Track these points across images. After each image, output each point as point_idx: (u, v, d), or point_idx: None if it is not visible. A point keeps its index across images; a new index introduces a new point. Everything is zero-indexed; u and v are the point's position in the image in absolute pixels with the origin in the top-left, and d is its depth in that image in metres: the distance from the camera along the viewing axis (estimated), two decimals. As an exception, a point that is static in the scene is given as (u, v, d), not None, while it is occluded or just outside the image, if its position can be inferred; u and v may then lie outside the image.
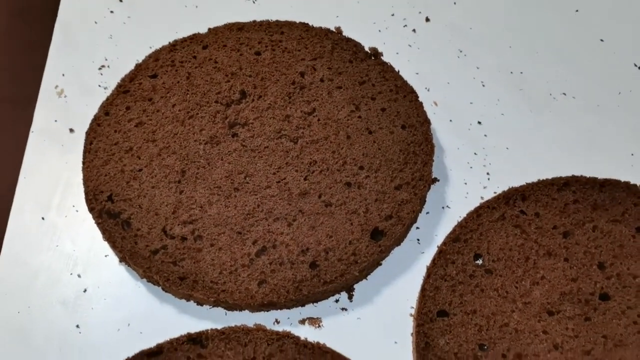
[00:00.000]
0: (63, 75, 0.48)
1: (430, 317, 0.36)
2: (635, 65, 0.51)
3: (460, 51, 0.52)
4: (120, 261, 0.40)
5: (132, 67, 0.47)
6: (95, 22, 0.52)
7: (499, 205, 0.41)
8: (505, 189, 0.42)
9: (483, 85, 0.50)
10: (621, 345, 0.35)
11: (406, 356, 0.36)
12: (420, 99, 0.46)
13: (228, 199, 0.40)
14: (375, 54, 0.48)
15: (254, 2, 0.54)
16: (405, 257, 0.40)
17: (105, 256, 0.40)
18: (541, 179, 0.42)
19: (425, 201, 0.43)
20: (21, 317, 0.37)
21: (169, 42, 0.48)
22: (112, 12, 0.53)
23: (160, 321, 0.37)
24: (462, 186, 0.44)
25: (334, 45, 0.48)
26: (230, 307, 0.38)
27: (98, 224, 0.39)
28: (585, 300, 0.37)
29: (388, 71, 0.47)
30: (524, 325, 0.36)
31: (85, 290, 0.38)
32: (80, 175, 0.42)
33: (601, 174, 0.42)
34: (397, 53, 0.51)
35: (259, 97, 0.45)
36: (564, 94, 0.49)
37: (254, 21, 0.49)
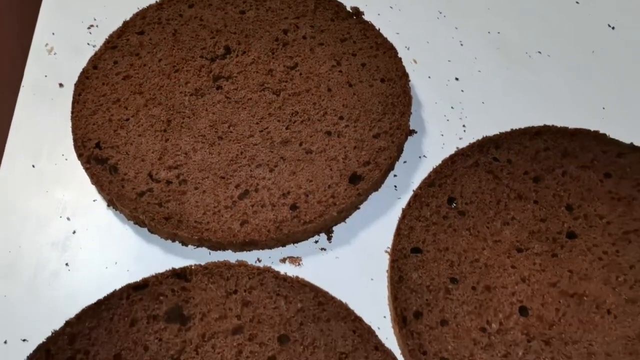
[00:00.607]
0: (53, 34, 0.50)
1: (405, 253, 0.38)
2: (609, 26, 0.53)
3: (440, 12, 0.53)
4: (108, 205, 0.41)
5: (118, 26, 0.49)
6: (84, -16, 0.53)
7: (473, 152, 0.43)
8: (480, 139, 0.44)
9: (461, 45, 0.51)
10: (585, 279, 0.37)
11: (381, 290, 0.38)
12: (399, 56, 0.47)
13: (212, 146, 0.42)
14: (357, 13, 0.50)
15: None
16: (383, 202, 0.42)
17: (94, 201, 0.41)
18: (514, 129, 0.44)
19: (402, 150, 0.44)
20: (12, 256, 0.39)
21: (156, 1, 0.49)
22: (100, -26, 0.54)
23: (147, 260, 0.39)
24: (439, 137, 0.46)
25: (316, 4, 0.49)
26: (213, 246, 0.39)
27: (86, 169, 0.41)
28: (552, 238, 0.39)
29: (369, 29, 0.49)
30: (493, 260, 0.38)
31: (74, 232, 0.40)
32: (65, 126, 0.44)
33: (572, 125, 0.44)
34: (379, 14, 0.53)
35: (243, 52, 0.47)
36: (539, 52, 0.51)
37: (239, -19, 0.51)
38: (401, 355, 0.36)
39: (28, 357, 0.33)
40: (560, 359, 0.34)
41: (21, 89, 0.46)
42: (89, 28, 0.51)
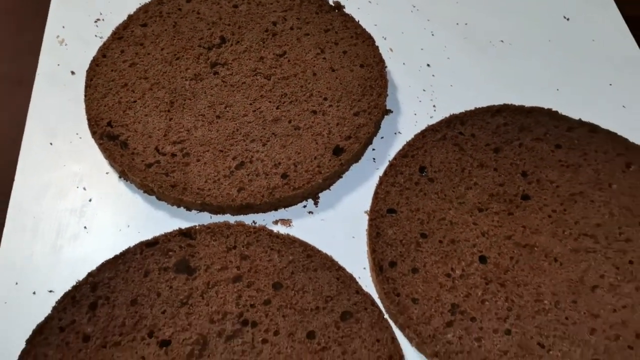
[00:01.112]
0: (63, 27, 0.55)
1: (381, 213, 0.44)
2: (564, 17, 0.59)
3: (414, 6, 0.59)
4: (120, 177, 0.46)
5: (122, 20, 0.54)
6: (90, -18, 0.58)
7: (441, 128, 0.49)
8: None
9: (432, 35, 0.57)
10: (536, 233, 0.43)
11: (361, 246, 0.44)
12: (377, 45, 0.53)
13: (211, 124, 0.47)
14: (338, 6, 0.55)
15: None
16: (362, 171, 0.48)
17: (106, 173, 0.47)
18: (477, 107, 0.50)
19: (379, 127, 0.50)
20: (36, 221, 0.44)
21: (158, -4, 0.55)
22: (104, -27, 0.59)
23: (156, 223, 0.44)
24: (412, 116, 0.51)
25: (302, -1, 0.55)
26: (214, 210, 0.45)
27: (100, 144, 0.46)
28: (509, 199, 0.45)
29: (349, 21, 0.54)
30: (458, 219, 0.44)
31: (90, 200, 0.45)
32: (82, 109, 0.49)
33: (529, 104, 0.50)
34: (359, 8, 0.58)
35: (237, 42, 0.52)
36: (502, 41, 0.57)
37: (232, -21, 0.56)
38: (378, 299, 0.41)
39: (57, 302, 0.38)
40: (514, 298, 0.40)
41: (36, 76, 0.51)
42: (95, 21, 0.56)
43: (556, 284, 0.41)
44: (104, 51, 0.51)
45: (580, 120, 0.49)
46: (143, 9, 0.54)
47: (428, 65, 0.55)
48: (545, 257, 0.42)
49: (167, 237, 0.42)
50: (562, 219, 0.44)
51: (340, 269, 0.41)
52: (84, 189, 0.46)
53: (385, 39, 0.56)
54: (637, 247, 0.43)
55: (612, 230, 0.44)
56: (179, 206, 0.45)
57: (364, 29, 0.54)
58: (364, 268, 0.43)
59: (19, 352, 0.37)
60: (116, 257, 0.41)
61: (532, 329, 0.39)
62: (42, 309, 0.39)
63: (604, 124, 0.49)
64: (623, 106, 0.53)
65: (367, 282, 0.42)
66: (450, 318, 0.39)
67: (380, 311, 0.39)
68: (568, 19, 0.59)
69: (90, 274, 0.40)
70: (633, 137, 0.48)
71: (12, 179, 0.46)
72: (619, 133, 0.49)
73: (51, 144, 0.48)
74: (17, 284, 0.41)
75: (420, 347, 0.39)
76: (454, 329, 0.39)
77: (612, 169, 0.47)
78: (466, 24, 0.58)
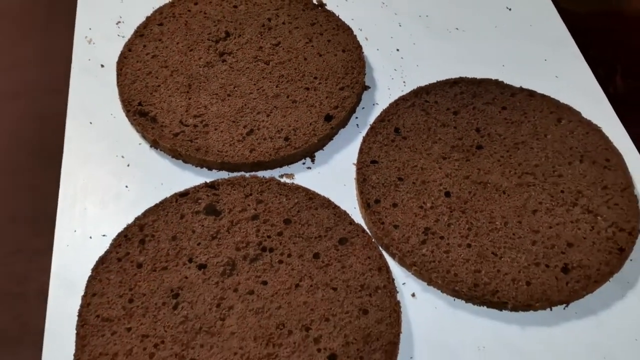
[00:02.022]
0: (90, 29, 0.65)
1: (366, 164, 0.55)
2: (507, 8, 0.71)
3: (383, 3, 0.71)
4: (151, 146, 0.56)
5: (140, 21, 0.64)
6: (109, -9, 0.68)
7: (411, 97, 0.60)
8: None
9: (400, 25, 0.69)
10: (488, 173, 0.55)
11: (351, 191, 0.54)
12: (355, 34, 0.64)
13: (223, 101, 0.58)
14: (321, 4, 0.66)
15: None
16: (349, 134, 0.59)
17: (139, 144, 0.56)
18: (439, 80, 0.61)
19: (361, 100, 0.61)
20: (84, 182, 0.53)
21: (169, 1, 0.65)
22: (120, -17, 0.69)
23: (184, 180, 0.54)
24: (387, 90, 0.63)
25: (290, -1, 0.66)
26: (231, 168, 0.55)
27: (133, 120, 0.56)
28: (466, 149, 0.56)
29: (331, 16, 0.66)
30: (427, 165, 0.55)
31: (128, 165, 0.55)
32: (113, 94, 0.59)
33: (480, 76, 0.62)
34: (337, 5, 0.70)
35: (239, 35, 0.63)
36: (457, 28, 0.69)
37: (231, -15, 0.67)
38: (367, 228, 0.52)
39: (113, 240, 0.48)
40: (472, 222, 0.51)
41: (72, 70, 0.61)
42: (117, 23, 0.66)
43: (505, 210, 0.52)
44: (129, 46, 0.61)
45: (521, 87, 0.61)
46: (158, 11, 0.64)
47: (397, 49, 0.66)
48: (496, 191, 0.53)
49: (196, 189, 0.52)
50: (508, 162, 0.55)
51: (336, 207, 0.52)
52: (122, 157, 0.55)
53: (361, 30, 0.67)
54: (567, 180, 0.54)
55: (547, 168, 0.55)
56: (202, 167, 0.55)
57: (344, 22, 0.65)
58: (355, 207, 0.54)
59: (84, 281, 0.47)
60: (156, 205, 0.51)
61: (488, 242, 0.50)
62: (98, 249, 0.48)
63: (540, 90, 0.61)
64: (556, 76, 0.65)
65: (357, 217, 0.53)
66: (424, 238, 0.50)
67: (369, 236, 0.50)
68: (510, 9, 0.71)
69: (137, 218, 0.50)
70: (562, 99, 0.61)
71: (62, 151, 0.55)
72: (552, 96, 0.61)
73: (91, 122, 0.57)
74: (75, 231, 0.51)
75: (401, 260, 0.50)
76: (427, 246, 0.50)
77: (546, 124, 0.59)
78: (427, 15, 0.70)
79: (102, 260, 0.47)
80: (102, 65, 0.62)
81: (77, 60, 0.62)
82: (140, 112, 0.56)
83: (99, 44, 0.64)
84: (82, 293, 0.46)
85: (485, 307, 0.49)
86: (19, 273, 1.21)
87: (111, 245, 0.48)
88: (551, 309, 0.49)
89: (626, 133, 0.61)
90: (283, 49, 0.62)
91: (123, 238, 0.49)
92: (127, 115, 0.57)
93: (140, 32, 0.62)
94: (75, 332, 0.44)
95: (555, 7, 0.73)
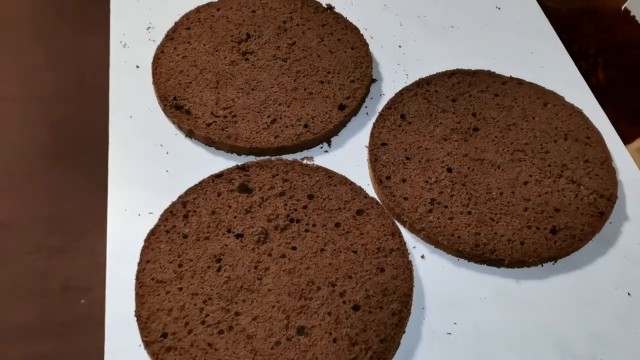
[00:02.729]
0: (124, 34, 0.72)
1: (377, 146, 0.62)
2: (497, 7, 0.79)
3: (385, 5, 0.78)
4: (186, 136, 0.63)
5: (168, 27, 0.71)
6: (138, 1, 0.76)
7: (413, 87, 0.67)
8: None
9: (401, 25, 0.76)
10: (485, 151, 0.62)
11: (364, 170, 0.62)
12: (361, 34, 0.72)
13: (248, 95, 0.65)
14: (330, 7, 0.74)
15: (243, -17, 0.79)
16: (360, 122, 0.66)
17: (175, 134, 0.64)
18: (438, 72, 0.69)
19: (369, 91, 0.69)
20: (130, 170, 0.60)
21: (195, 7, 0.73)
22: (147, -7, 0.77)
23: (218, 165, 0.61)
24: (391, 83, 0.70)
25: (302, 3, 0.74)
26: (258, 153, 0.62)
27: (170, 113, 0.63)
28: (464, 131, 0.64)
29: (339, 18, 0.73)
30: (430, 146, 0.62)
31: (167, 153, 0.62)
32: (149, 91, 0.66)
33: (474, 68, 0.70)
34: (344, 8, 0.77)
35: (259, 36, 0.70)
36: (452, 26, 0.77)
37: (248, -8, 0.75)
38: (380, 201, 0.59)
39: (160, 215, 0.55)
40: (472, 193, 0.59)
41: (110, 71, 0.68)
42: (147, 29, 0.73)
43: (500, 182, 0.60)
44: (162, 49, 0.68)
45: (510, 76, 0.69)
46: (185, 17, 0.72)
47: (399, 46, 0.74)
48: (491, 166, 0.61)
49: (229, 170, 0.59)
50: (501, 141, 0.63)
51: (352, 183, 0.59)
52: (161, 145, 0.63)
53: (366, 29, 0.75)
54: (553, 155, 0.62)
55: (536, 146, 0.63)
56: (232, 152, 0.62)
57: (351, 23, 0.73)
58: (368, 184, 0.61)
59: (137, 252, 0.54)
60: (196, 185, 0.58)
61: (485, 210, 0.58)
62: (147, 224, 0.56)
63: (528, 79, 0.69)
64: (541, 67, 0.73)
65: (371, 192, 0.60)
66: (430, 207, 0.58)
67: (383, 207, 0.58)
68: (499, 8, 0.79)
69: (180, 196, 0.57)
70: (547, 86, 0.68)
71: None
72: (538, 84, 0.69)
73: (131, 117, 0.65)
74: (125, 210, 0.58)
75: (411, 227, 0.57)
76: (433, 214, 0.57)
77: (534, 107, 0.66)
78: (425, 15, 0.77)
79: (152, 232, 0.55)
80: (138, 67, 0.69)
81: (114, 63, 0.69)
82: (175, 106, 0.63)
83: (133, 47, 0.71)
84: (136, 262, 0.53)
85: (485, 264, 0.56)
86: (40, 270, 1.28)
87: (159, 219, 0.55)
88: (542, 265, 0.56)
89: (604, 115, 0.68)
90: (298, 47, 0.69)
91: (169, 213, 0.56)
92: (163, 109, 0.64)
93: (170, 36, 0.70)
94: (134, 292, 0.51)
95: (540, 5, 0.81)
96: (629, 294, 0.55)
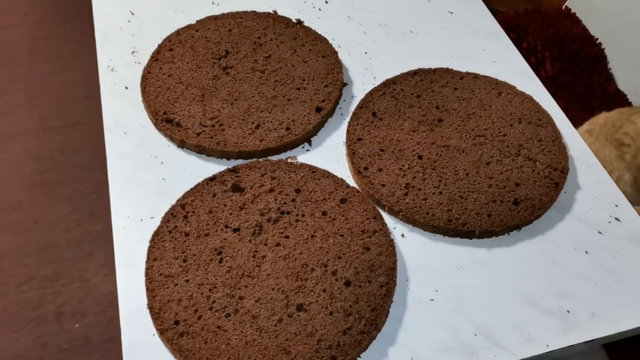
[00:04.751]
0: (110, 59, 0.77)
1: (353, 141, 0.68)
2: (449, 12, 0.87)
3: (349, 17, 0.86)
4: (178, 146, 0.69)
5: (151, 50, 0.77)
6: (121, 28, 0.81)
7: (382, 88, 0.74)
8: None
9: (365, 33, 0.84)
10: (450, 139, 0.69)
11: (344, 164, 0.68)
12: (330, 43, 0.79)
13: (232, 104, 0.71)
14: (300, 22, 0.81)
15: (213, 4, 0.85)
16: (336, 122, 0.73)
17: (168, 145, 0.69)
18: (402, 72, 0.76)
19: (342, 94, 0.75)
20: (128, 179, 0.65)
21: (175, 30, 0.79)
22: (129, 21, 0.82)
23: (210, 170, 0.66)
24: (361, 85, 0.77)
25: (274, 20, 0.81)
26: (247, 156, 0.67)
27: (162, 127, 0.68)
28: (430, 123, 0.71)
29: (309, 31, 0.80)
30: (401, 137, 0.69)
31: (162, 163, 0.67)
32: (139, 109, 0.71)
33: (434, 67, 0.77)
34: (312, 22, 0.84)
35: (237, 52, 0.77)
36: (411, 32, 0.84)
37: (223, 13, 0.81)
38: (360, 189, 0.65)
39: (162, 217, 0.60)
40: (441, 175, 0.65)
41: (101, 93, 0.73)
42: (132, 53, 0.79)
43: (465, 164, 0.67)
44: (148, 69, 0.74)
45: (467, 72, 0.77)
46: (167, 39, 0.77)
47: (365, 52, 0.81)
48: (456, 151, 0.68)
49: (221, 173, 0.65)
50: (464, 129, 0.70)
51: (334, 176, 0.65)
52: (156, 157, 0.68)
53: (334, 39, 0.82)
54: (510, 138, 0.69)
55: (494, 131, 0.70)
56: (222, 157, 0.68)
57: (320, 34, 0.80)
58: (348, 176, 0.67)
59: (143, 253, 0.58)
60: (192, 189, 0.63)
61: (455, 189, 0.64)
62: (149, 228, 0.61)
63: (482, 73, 0.77)
64: (494, 61, 0.81)
65: (351, 182, 0.66)
66: (405, 191, 0.64)
67: (363, 195, 0.64)
68: (452, 13, 0.87)
69: (178, 200, 0.62)
70: (500, 78, 0.76)
71: (99, 156, 0.67)
72: (492, 76, 0.76)
73: (125, 133, 0.70)
74: (128, 216, 0.62)
75: (390, 210, 0.63)
76: (408, 196, 0.64)
77: (490, 97, 0.74)
78: (386, 24, 0.85)
79: (156, 233, 0.60)
80: (127, 87, 0.74)
81: (104, 85, 0.74)
82: (166, 120, 0.69)
83: (120, 71, 0.76)
84: (143, 261, 0.58)
85: (458, 237, 0.63)
86: (34, 299, 1.31)
87: (161, 221, 0.60)
88: (509, 234, 0.63)
89: (552, 99, 0.76)
90: (274, 59, 0.76)
91: (170, 215, 0.61)
92: (155, 124, 0.69)
93: (155, 57, 0.75)
94: (145, 287, 0.56)
95: (489, 9, 0.90)
96: (586, 252, 0.62)
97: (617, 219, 0.65)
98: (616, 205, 0.66)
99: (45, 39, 1.52)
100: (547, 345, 0.55)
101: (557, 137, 0.70)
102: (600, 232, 0.64)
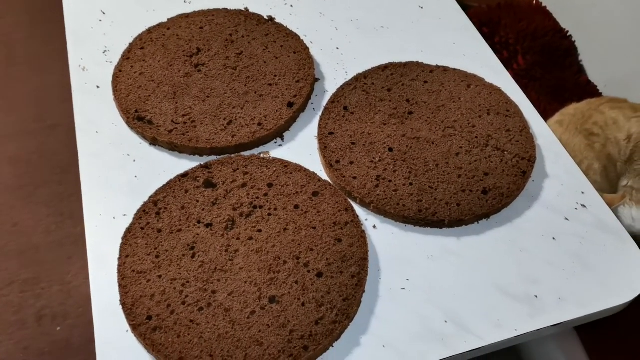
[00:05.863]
0: (82, 59, 0.77)
1: (325, 135, 0.69)
2: (420, 7, 0.89)
3: (321, 13, 0.87)
4: (151, 144, 0.69)
5: (122, 49, 0.77)
6: (92, 28, 0.81)
7: (353, 82, 0.75)
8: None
9: (336, 29, 0.85)
10: (420, 131, 0.70)
11: (316, 158, 0.69)
12: (302, 39, 0.80)
13: (204, 101, 0.71)
14: (271, 18, 0.82)
15: (185, 2, 0.85)
16: (308, 117, 0.73)
17: (140, 143, 0.69)
18: (373, 67, 0.77)
19: (313, 89, 0.76)
20: (101, 177, 0.65)
21: (146, 29, 0.79)
22: (100, 20, 0.82)
23: (182, 166, 0.67)
24: (333, 80, 0.78)
25: (246, 17, 0.81)
26: (218, 152, 0.68)
27: (133, 125, 0.68)
28: (401, 115, 0.72)
29: (281, 27, 0.81)
30: (372, 131, 0.70)
31: (134, 160, 0.67)
32: (111, 107, 0.71)
33: (404, 60, 0.78)
34: (284, 19, 0.85)
35: (209, 49, 0.77)
36: (382, 27, 0.85)
37: (195, 11, 0.81)
38: (332, 182, 0.66)
39: (135, 214, 0.60)
40: (412, 167, 0.66)
41: (73, 92, 0.73)
42: (103, 52, 0.78)
43: (435, 155, 0.68)
44: (119, 68, 0.74)
45: (437, 65, 0.78)
46: (138, 38, 0.78)
47: (337, 48, 0.82)
48: (426, 142, 0.69)
49: (194, 170, 0.65)
50: (433, 121, 0.71)
51: (306, 170, 0.66)
52: (128, 155, 0.68)
53: (306, 36, 0.83)
54: (479, 128, 0.71)
55: (463, 122, 0.71)
56: (194, 154, 0.68)
57: (291, 31, 0.80)
58: (320, 170, 0.68)
59: (115, 250, 0.59)
60: (164, 185, 0.63)
61: (425, 180, 0.65)
62: (122, 225, 0.61)
63: (452, 66, 0.78)
64: (463, 55, 0.82)
65: (324, 175, 0.67)
66: (376, 183, 0.65)
67: (335, 188, 0.65)
68: (422, 7, 0.89)
69: (151, 197, 0.62)
70: (469, 71, 0.77)
71: (77, 158, 0.67)
72: (461, 69, 0.78)
73: (97, 132, 0.70)
74: (100, 215, 0.63)
75: (361, 202, 0.64)
76: (379, 188, 0.65)
77: (459, 90, 0.75)
78: (357, 19, 0.86)
79: (129, 230, 0.60)
80: (98, 87, 0.74)
81: (75, 85, 0.74)
82: (138, 118, 0.69)
83: (91, 70, 0.76)
84: (115, 258, 0.58)
85: (428, 227, 0.64)
86: (15, 303, 1.30)
87: (134, 218, 0.61)
88: (478, 222, 0.64)
89: (520, 90, 0.78)
90: (246, 56, 0.76)
91: (142, 212, 0.61)
92: (126, 122, 0.69)
93: (126, 56, 0.75)
94: (117, 284, 0.56)
95: (460, 4, 0.91)
96: (553, 238, 0.64)
97: (583, 206, 0.66)
98: (582, 193, 0.68)
99: (21, 42, 1.51)
100: (516, 330, 0.57)
101: (524, 127, 0.72)
102: (567, 219, 0.65)
